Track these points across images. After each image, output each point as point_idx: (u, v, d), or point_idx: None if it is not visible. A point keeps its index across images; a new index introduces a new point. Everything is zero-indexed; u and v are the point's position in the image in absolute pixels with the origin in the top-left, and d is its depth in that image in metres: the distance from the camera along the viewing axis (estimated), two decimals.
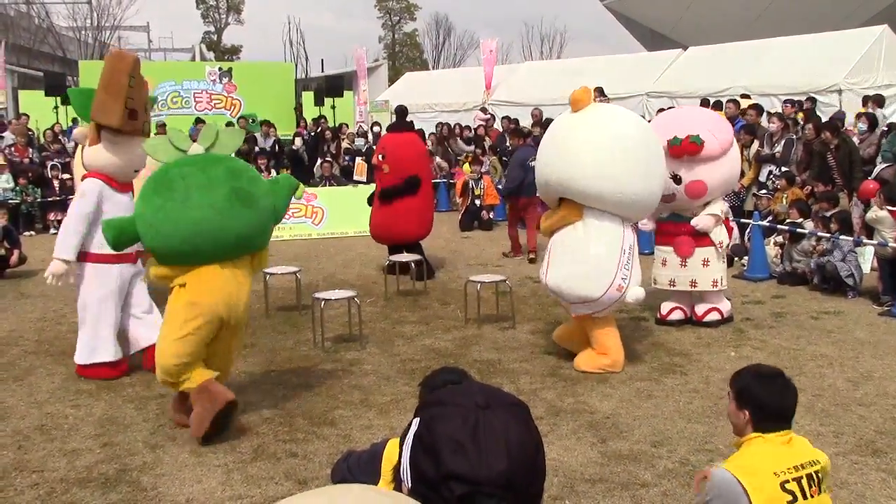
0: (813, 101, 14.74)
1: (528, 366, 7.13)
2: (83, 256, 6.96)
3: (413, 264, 10.05)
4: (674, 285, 8.19)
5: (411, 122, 11.88)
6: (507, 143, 14.18)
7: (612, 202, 6.57)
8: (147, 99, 7.05)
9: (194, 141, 5.79)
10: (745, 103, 14.00)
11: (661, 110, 14.75)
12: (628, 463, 5.16)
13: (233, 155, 5.97)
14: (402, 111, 11.43)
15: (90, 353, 7.00)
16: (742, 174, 11.50)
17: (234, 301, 5.59)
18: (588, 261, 6.66)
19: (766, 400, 3.16)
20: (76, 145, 9.12)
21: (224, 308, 5.54)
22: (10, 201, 14.45)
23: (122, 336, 7.22)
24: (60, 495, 4.92)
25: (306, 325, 8.33)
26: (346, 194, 15.27)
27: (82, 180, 7.09)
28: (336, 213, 14.70)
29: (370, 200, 11.14)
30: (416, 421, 1.33)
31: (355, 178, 17.50)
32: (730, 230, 8.48)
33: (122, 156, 6.99)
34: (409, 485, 1.30)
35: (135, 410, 6.27)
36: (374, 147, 13.49)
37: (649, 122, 12.44)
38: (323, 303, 7.81)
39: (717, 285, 8.13)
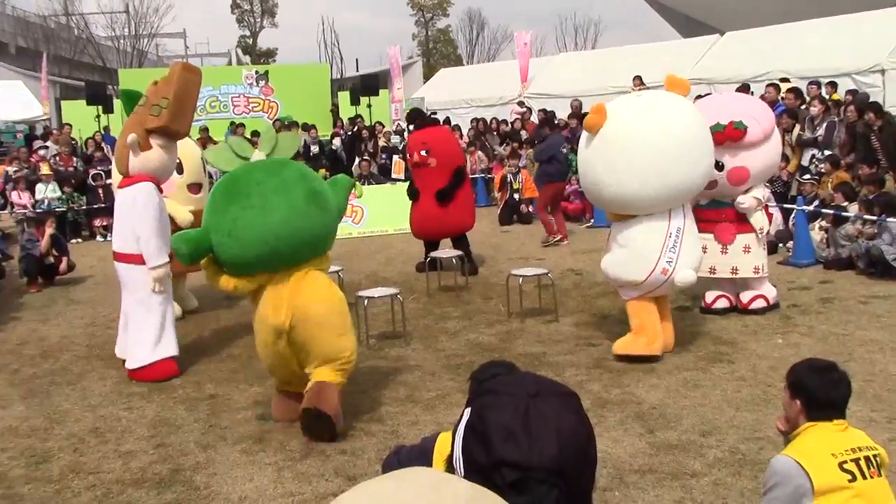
0: (833, 85, 14.47)
1: (572, 358, 7.11)
2: (140, 259, 7.10)
3: (455, 260, 10.11)
4: (714, 272, 8.11)
5: (433, 115, 11.99)
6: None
7: (664, 201, 6.64)
8: None
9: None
10: (784, 87, 13.79)
11: (700, 97, 14.60)
12: (677, 453, 5.13)
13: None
14: (418, 112, 11.52)
15: (152, 351, 7.13)
16: (786, 159, 11.36)
17: (291, 305, 5.53)
18: (630, 245, 6.78)
19: (817, 390, 3.26)
20: None
21: (276, 315, 5.51)
22: (58, 209, 14.72)
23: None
24: (116, 496, 5.02)
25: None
26: (385, 192, 15.32)
27: (124, 186, 7.19)
28: (376, 212, 14.75)
29: (413, 194, 10.86)
30: (468, 411, 1.35)
31: (394, 175, 17.58)
32: (769, 217, 8.39)
33: (171, 160, 7.35)
34: (462, 474, 1.32)
35: (186, 412, 6.37)
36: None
37: None
38: (366, 301, 7.87)
39: (758, 272, 8.05)
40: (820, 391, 3.23)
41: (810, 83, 13.63)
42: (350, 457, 5.37)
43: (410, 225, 11.11)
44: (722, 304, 8.19)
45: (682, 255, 6.70)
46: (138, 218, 7.05)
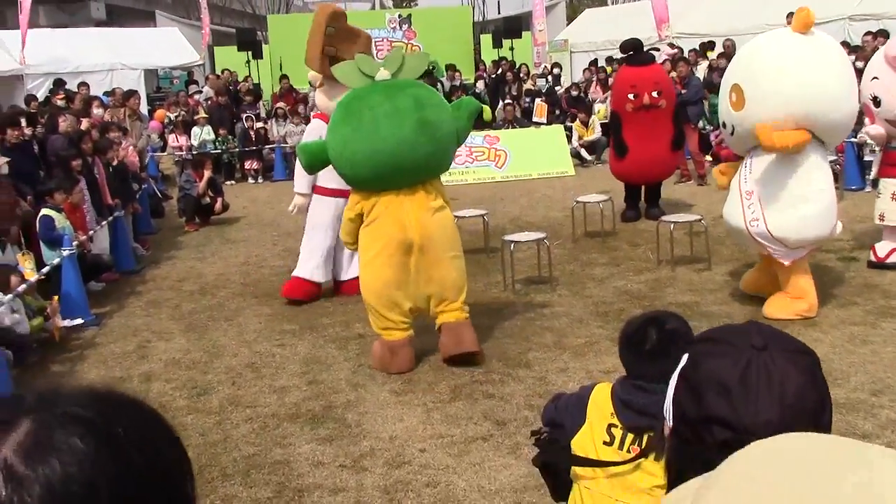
0: None
1: (727, 308, 6.81)
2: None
3: (601, 205, 9.89)
4: (882, 220, 7.61)
5: (651, 51, 11.38)
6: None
7: (847, 126, 6.42)
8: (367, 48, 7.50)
9: None
10: None
11: (869, 34, 13.59)
12: (846, 412, 4.83)
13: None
14: (636, 44, 10.46)
15: (301, 270, 7.86)
16: None
17: (420, 223, 5.67)
18: (822, 199, 6.21)
19: None
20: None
21: (404, 231, 5.64)
22: (213, 152, 15.24)
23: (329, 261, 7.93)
24: (273, 429, 5.17)
25: (495, 268, 8.31)
26: (528, 136, 15.10)
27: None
28: (519, 156, 14.56)
29: (622, 147, 10.23)
30: (685, 357, 1.23)
31: (535, 119, 17.28)
32: None
33: (335, 98, 7.51)
34: (671, 423, 1.22)
35: (336, 350, 6.50)
36: (613, 88, 13.16)
37: (852, 49, 11.64)
38: (512, 245, 7.77)
39: None
40: None
41: None
42: (498, 401, 5.33)
43: (620, 168, 10.47)
44: None
45: None
46: None
